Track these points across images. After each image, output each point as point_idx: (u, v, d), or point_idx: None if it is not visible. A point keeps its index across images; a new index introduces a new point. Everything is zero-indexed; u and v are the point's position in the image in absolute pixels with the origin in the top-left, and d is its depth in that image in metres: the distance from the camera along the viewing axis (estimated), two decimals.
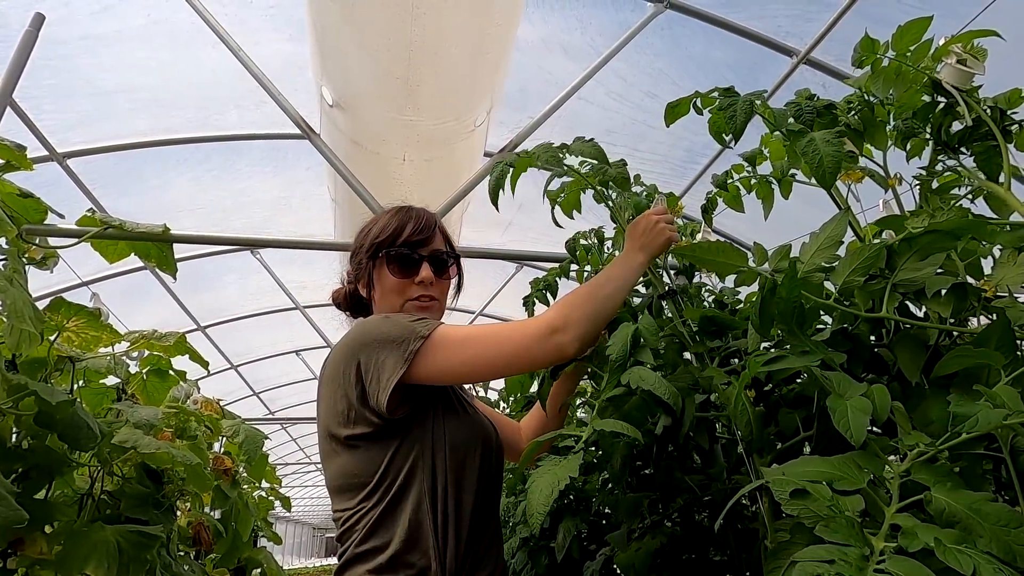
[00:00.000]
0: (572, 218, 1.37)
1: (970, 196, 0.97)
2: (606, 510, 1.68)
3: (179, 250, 1.79)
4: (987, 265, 0.91)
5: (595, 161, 1.16)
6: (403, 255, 1.08)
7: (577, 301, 0.99)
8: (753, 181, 1.26)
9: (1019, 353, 0.68)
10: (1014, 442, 0.63)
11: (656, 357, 0.98)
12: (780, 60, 3.04)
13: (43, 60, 2.75)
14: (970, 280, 0.83)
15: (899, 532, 0.51)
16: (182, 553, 1.84)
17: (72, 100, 3.13)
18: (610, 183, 1.22)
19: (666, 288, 1.23)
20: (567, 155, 1.17)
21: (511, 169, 1.15)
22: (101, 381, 1.55)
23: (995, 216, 0.94)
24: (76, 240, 1.59)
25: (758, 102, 0.86)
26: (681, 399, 0.92)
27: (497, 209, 1.21)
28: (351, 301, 1.18)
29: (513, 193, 1.22)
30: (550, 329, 0.94)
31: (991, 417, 0.51)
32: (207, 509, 2.02)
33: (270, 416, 8.34)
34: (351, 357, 0.95)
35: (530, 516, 0.79)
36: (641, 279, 1.17)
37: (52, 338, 1.34)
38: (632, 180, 1.26)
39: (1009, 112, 0.89)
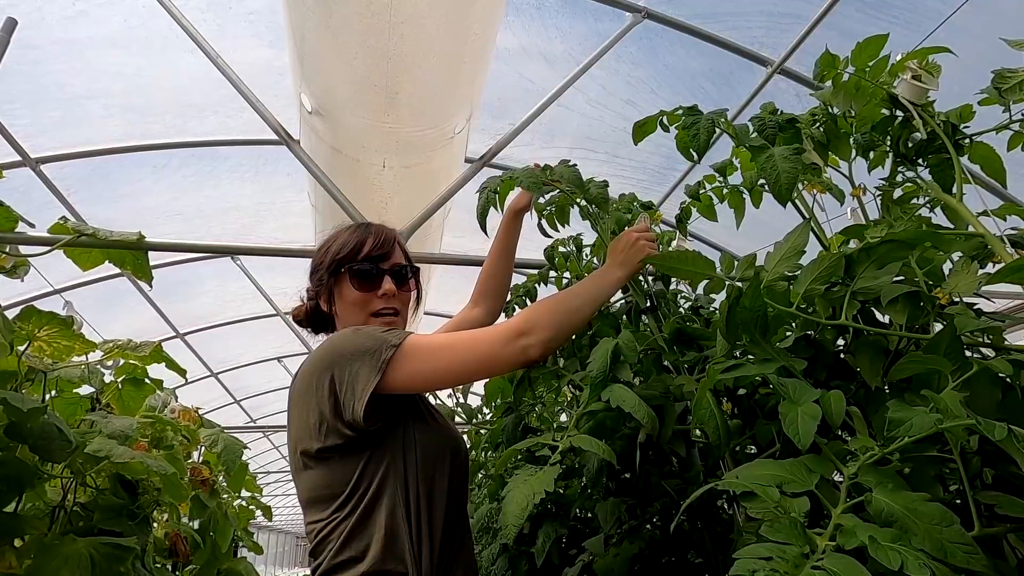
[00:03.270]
0: (558, 230, 1.42)
1: (929, 206, 1.01)
2: (587, 515, 1.70)
3: (157, 256, 1.76)
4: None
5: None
6: (365, 270, 1.11)
7: (545, 308, 1.02)
8: (725, 191, 1.29)
9: (972, 357, 0.71)
10: (965, 445, 0.65)
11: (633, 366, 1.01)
12: (756, 70, 3.10)
13: (15, 65, 2.71)
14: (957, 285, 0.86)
15: (840, 531, 0.53)
16: (159, 565, 1.81)
17: (45, 105, 3.08)
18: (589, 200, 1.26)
19: (647, 303, 1.26)
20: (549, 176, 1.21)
21: (495, 196, 1.19)
22: (75, 391, 1.53)
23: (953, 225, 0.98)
24: (48, 248, 1.56)
25: (721, 120, 0.89)
26: (658, 420, 0.94)
27: (486, 234, 1.25)
28: (313, 317, 1.19)
29: (500, 211, 1.27)
30: (515, 333, 0.97)
31: (925, 422, 0.54)
32: (185, 519, 1.99)
33: (252, 424, 8.22)
34: (324, 370, 0.96)
35: (504, 527, 0.80)
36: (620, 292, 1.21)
37: (22, 348, 1.32)
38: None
39: (961, 126, 0.93)
